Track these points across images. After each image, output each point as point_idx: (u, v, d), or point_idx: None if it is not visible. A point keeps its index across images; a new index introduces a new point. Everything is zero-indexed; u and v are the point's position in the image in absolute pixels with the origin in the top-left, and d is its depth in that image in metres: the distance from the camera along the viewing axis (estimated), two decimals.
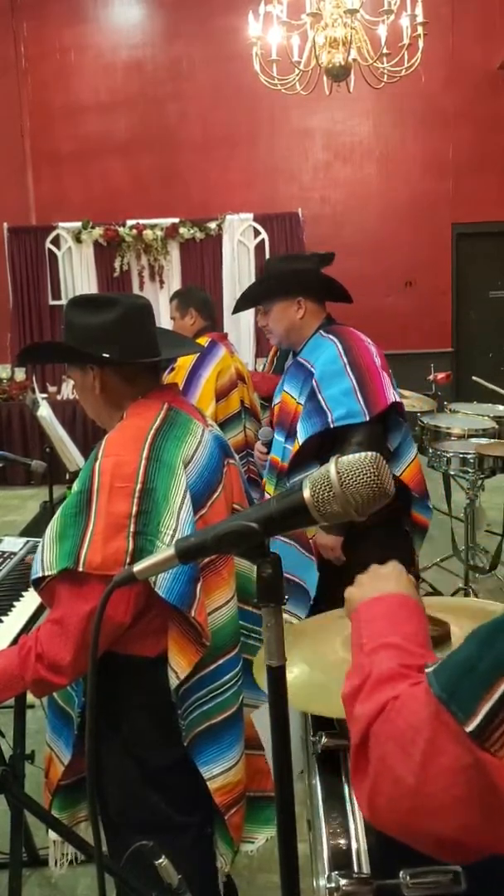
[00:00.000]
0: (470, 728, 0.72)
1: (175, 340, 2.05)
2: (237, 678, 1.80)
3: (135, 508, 1.58)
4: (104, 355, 1.73)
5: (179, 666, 1.64)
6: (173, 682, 1.64)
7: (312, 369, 2.56)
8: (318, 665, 1.38)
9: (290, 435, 2.59)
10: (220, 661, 1.76)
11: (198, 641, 1.65)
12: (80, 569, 1.52)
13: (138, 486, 1.60)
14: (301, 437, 2.48)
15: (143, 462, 1.63)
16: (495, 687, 0.72)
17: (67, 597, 1.56)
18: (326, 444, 2.48)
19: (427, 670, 0.81)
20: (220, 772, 1.73)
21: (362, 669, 0.91)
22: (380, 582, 1.10)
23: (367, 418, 2.42)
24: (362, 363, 2.52)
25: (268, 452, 2.79)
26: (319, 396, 2.48)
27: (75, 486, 1.66)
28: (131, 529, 1.56)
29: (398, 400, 2.55)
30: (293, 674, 1.28)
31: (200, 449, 1.77)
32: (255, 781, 1.91)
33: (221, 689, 1.75)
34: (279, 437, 2.70)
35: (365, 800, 0.83)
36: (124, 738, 1.75)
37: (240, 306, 2.86)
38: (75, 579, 1.54)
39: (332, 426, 2.43)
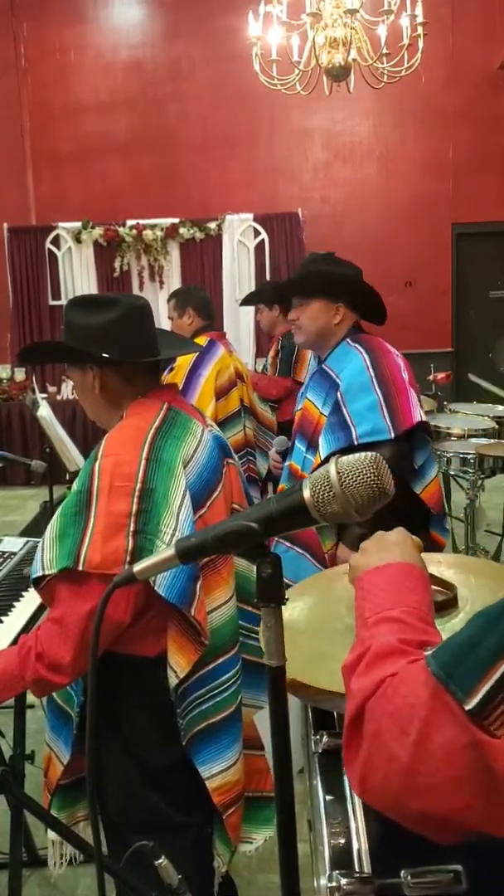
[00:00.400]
0: (469, 706, 0.72)
1: (174, 341, 2.05)
2: (236, 678, 1.80)
3: (134, 507, 1.59)
4: (103, 355, 1.73)
5: (178, 665, 1.64)
6: (172, 681, 1.64)
7: (338, 380, 2.47)
8: (322, 634, 1.36)
9: (312, 445, 2.52)
10: (220, 661, 1.76)
11: (197, 640, 1.65)
12: (80, 568, 1.52)
13: (138, 486, 1.60)
14: (323, 452, 2.40)
15: (143, 461, 1.63)
16: (496, 667, 0.72)
17: (67, 596, 1.56)
18: None
19: (426, 653, 0.80)
20: (218, 771, 1.74)
21: (363, 643, 0.91)
22: (385, 549, 1.08)
23: (393, 436, 2.32)
24: (390, 378, 2.43)
25: (282, 461, 2.75)
26: (344, 410, 2.40)
27: (75, 486, 1.66)
28: (131, 528, 1.57)
29: (424, 419, 2.46)
30: (301, 655, 1.25)
31: (200, 448, 1.77)
32: (253, 781, 1.91)
33: (220, 689, 1.75)
34: (300, 446, 2.61)
35: (357, 776, 0.82)
36: (124, 737, 1.75)
37: (287, 288, 2.72)
38: (75, 578, 1.54)
39: (356, 443, 2.33)
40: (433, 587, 1.13)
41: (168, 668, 1.65)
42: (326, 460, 2.41)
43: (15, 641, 1.89)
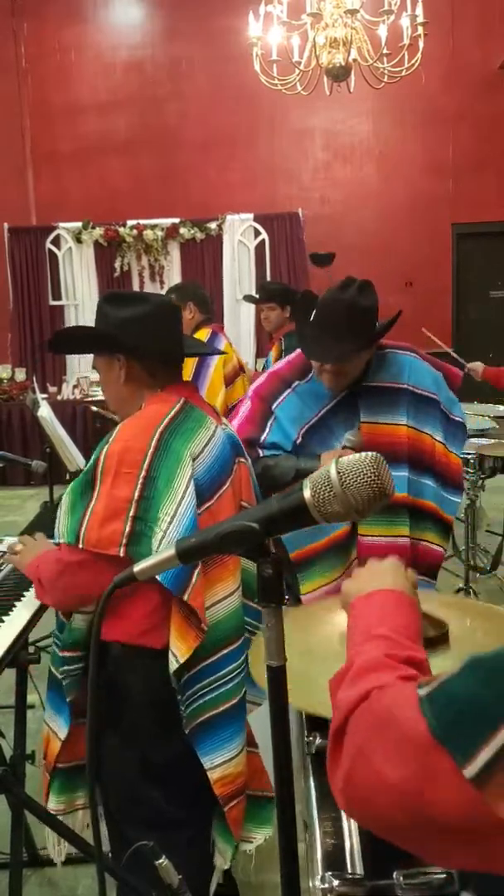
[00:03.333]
0: (469, 774, 0.71)
1: (195, 343, 2.11)
2: (239, 670, 1.83)
3: (137, 494, 1.68)
4: (133, 345, 1.82)
5: (179, 650, 1.69)
6: (173, 665, 1.69)
7: (417, 390, 2.39)
8: (315, 660, 1.37)
9: (417, 467, 2.36)
10: (224, 652, 1.80)
11: (198, 627, 1.70)
12: (80, 546, 1.69)
13: (143, 474, 1.69)
14: (459, 452, 2.50)
15: (151, 450, 1.71)
16: (496, 733, 0.70)
17: (69, 555, 1.75)
18: None
19: (420, 692, 0.78)
20: (220, 762, 1.77)
21: (350, 659, 0.92)
22: (377, 577, 1.09)
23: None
24: (429, 357, 2.60)
25: None
26: (450, 415, 2.48)
27: (86, 465, 1.78)
28: (131, 514, 1.68)
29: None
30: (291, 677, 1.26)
31: (211, 444, 1.83)
32: (254, 780, 1.92)
33: (223, 680, 1.79)
34: (400, 473, 2.31)
35: (339, 785, 0.82)
36: (125, 730, 1.79)
37: (327, 357, 2.34)
38: (77, 550, 1.71)
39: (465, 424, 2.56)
40: (425, 623, 1.13)
41: (169, 654, 1.69)
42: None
43: (15, 641, 1.94)
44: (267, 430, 2.43)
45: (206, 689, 1.76)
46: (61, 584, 1.77)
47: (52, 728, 1.92)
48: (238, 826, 1.84)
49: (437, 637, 1.30)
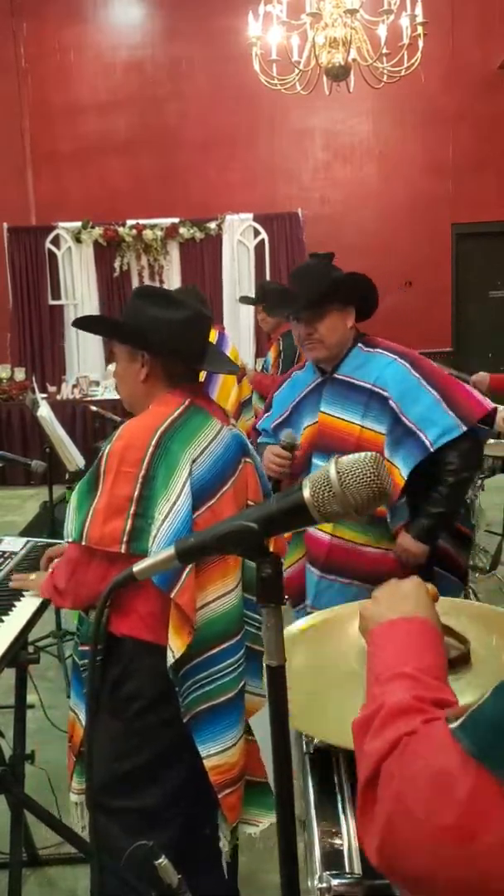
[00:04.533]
0: None
1: (217, 357, 2.12)
2: (238, 664, 1.86)
3: (137, 492, 1.73)
4: (161, 349, 1.85)
5: (175, 645, 1.73)
6: (169, 660, 1.73)
7: (378, 390, 2.32)
8: (324, 675, 1.35)
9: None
10: (223, 646, 1.83)
11: (190, 623, 1.74)
12: (84, 543, 1.75)
13: (142, 473, 1.74)
14: (404, 471, 2.26)
15: (151, 450, 1.75)
16: None
17: (77, 555, 1.81)
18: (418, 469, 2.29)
19: (451, 726, 0.75)
20: (216, 751, 1.80)
21: (374, 700, 0.87)
22: (398, 601, 1.04)
23: (465, 429, 2.24)
24: (437, 374, 2.33)
25: (290, 459, 2.45)
26: (405, 420, 2.27)
27: (92, 465, 1.83)
28: (132, 511, 1.72)
29: (492, 405, 2.34)
30: (301, 695, 1.23)
31: (214, 443, 1.86)
32: (260, 769, 1.93)
33: (221, 673, 1.82)
34: (320, 462, 2.41)
35: (375, 843, 0.77)
36: (129, 721, 1.82)
37: (287, 307, 2.48)
38: (83, 547, 1.77)
39: (432, 449, 2.24)
40: (446, 638, 1.10)
41: (168, 648, 1.73)
42: (408, 479, 2.26)
43: (16, 641, 1.96)
44: (263, 417, 2.75)
45: (203, 682, 1.80)
46: (73, 583, 1.82)
47: (76, 714, 2.00)
48: (233, 811, 1.87)
49: (457, 658, 1.26)
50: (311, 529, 2.39)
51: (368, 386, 2.36)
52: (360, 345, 2.43)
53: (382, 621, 1.00)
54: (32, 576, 2.17)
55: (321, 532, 2.38)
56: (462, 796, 0.70)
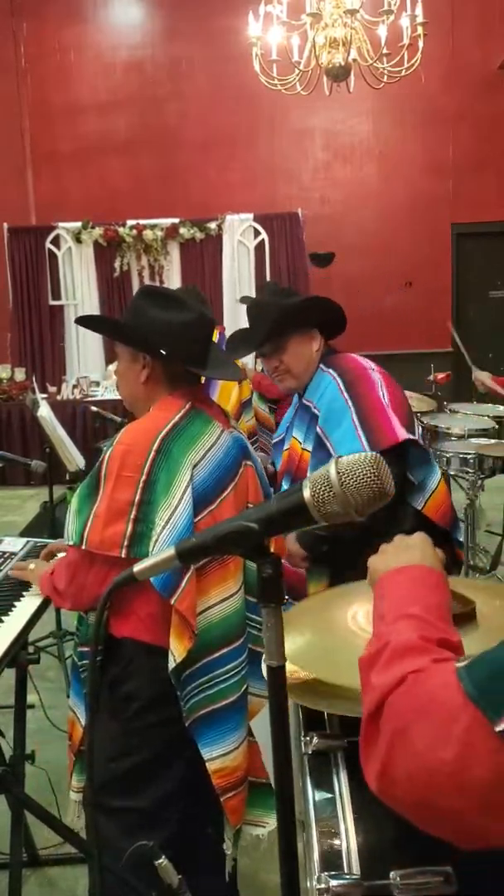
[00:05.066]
0: (499, 728, 0.73)
1: (220, 361, 2.10)
2: (241, 667, 1.86)
3: (138, 497, 1.72)
4: (162, 351, 1.83)
5: (176, 650, 1.73)
6: (170, 664, 1.73)
7: (316, 411, 2.33)
8: (328, 632, 1.37)
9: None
10: (225, 650, 1.83)
11: (191, 629, 1.73)
12: (84, 547, 1.74)
13: (143, 477, 1.73)
14: None
15: (152, 454, 1.74)
16: None
17: (77, 559, 1.80)
18: None
19: (458, 665, 0.80)
20: (219, 755, 1.80)
21: (380, 638, 0.91)
22: (404, 552, 1.08)
23: None
24: (365, 397, 2.25)
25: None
26: (327, 443, 2.26)
27: (93, 468, 1.82)
28: (132, 516, 1.71)
29: (409, 437, 2.23)
30: (301, 639, 1.27)
31: (215, 448, 1.85)
32: (262, 769, 1.93)
33: (224, 677, 1.82)
34: (285, 486, 2.44)
35: (375, 771, 0.82)
36: (126, 720, 1.82)
37: (247, 347, 2.45)
38: (83, 551, 1.77)
39: None
40: (452, 598, 1.12)
41: (169, 653, 1.73)
42: None
43: (16, 641, 1.96)
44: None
45: (205, 686, 1.80)
46: (73, 586, 1.82)
47: (76, 714, 2.00)
48: (236, 814, 1.87)
49: (463, 614, 1.28)
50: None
51: (312, 407, 2.37)
52: (321, 365, 2.39)
53: (389, 569, 1.04)
54: (31, 565, 2.16)
55: None
56: (459, 733, 0.75)
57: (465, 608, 1.31)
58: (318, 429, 2.30)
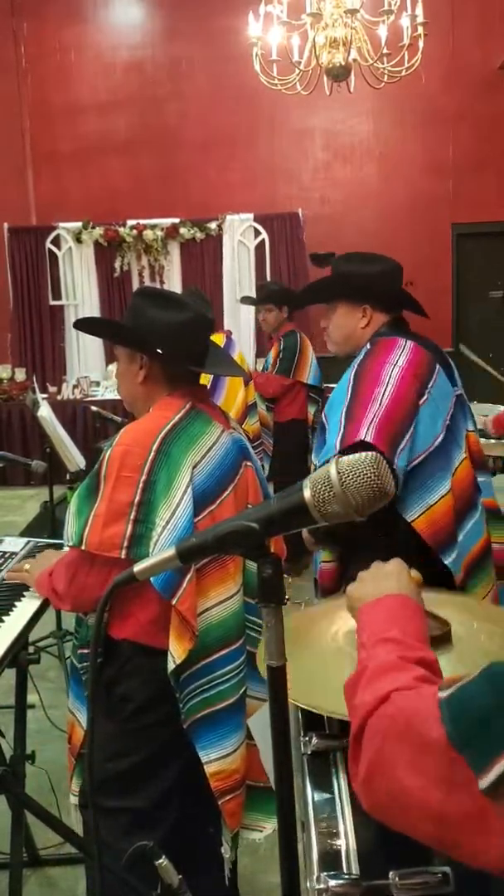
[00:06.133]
0: (483, 785, 0.73)
1: (220, 359, 2.07)
2: (239, 669, 1.85)
3: (137, 498, 1.71)
4: (158, 351, 1.83)
5: (176, 651, 1.72)
6: (170, 666, 1.72)
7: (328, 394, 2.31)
8: (315, 657, 1.37)
9: None
10: (223, 652, 1.82)
11: (192, 630, 1.73)
12: (83, 548, 1.73)
13: (143, 478, 1.72)
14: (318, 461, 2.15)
15: (152, 455, 1.73)
16: None
17: (77, 559, 1.80)
18: None
19: (440, 695, 0.80)
20: (216, 757, 1.79)
21: (362, 663, 0.94)
22: (381, 580, 1.10)
23: (336, 453, 1.87)
24: (361, 391, 2.04)
25: None
26: (326, 429, 2.11)
27: (92, 469, 1.81)
28: (132, 517, 1.70)
29: (365, 439, 1.88)
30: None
31: (215, 449, 1.84)
32: (261, 773, 1.93)
33: (222, 679, 1.81)
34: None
35: (359, 787, 0.85)
36: (123, 721, 1.82)
37: (301, 299, 2.56)
38: (83, 552, 1.76)
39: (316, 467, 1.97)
40: (428, 620, 1.14)
41: (168, 655, 1.73)
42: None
43: (16, 641, 1.95)
44: None
45: (203, 688, 1.79)
46: (73, 588, 1.81)
47: (76, 716, 1.99)
48: (234, 817, 1.86)
49: (439, 637, 1.30)
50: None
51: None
52: (368, 344, 2.23)
53: (367, 599, 1.07)
54: (27, 566, 2.14)
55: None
56: (443, 775, 0.76)
57: (442, 630, 1.33)
58: (322, 414, 2.23)
